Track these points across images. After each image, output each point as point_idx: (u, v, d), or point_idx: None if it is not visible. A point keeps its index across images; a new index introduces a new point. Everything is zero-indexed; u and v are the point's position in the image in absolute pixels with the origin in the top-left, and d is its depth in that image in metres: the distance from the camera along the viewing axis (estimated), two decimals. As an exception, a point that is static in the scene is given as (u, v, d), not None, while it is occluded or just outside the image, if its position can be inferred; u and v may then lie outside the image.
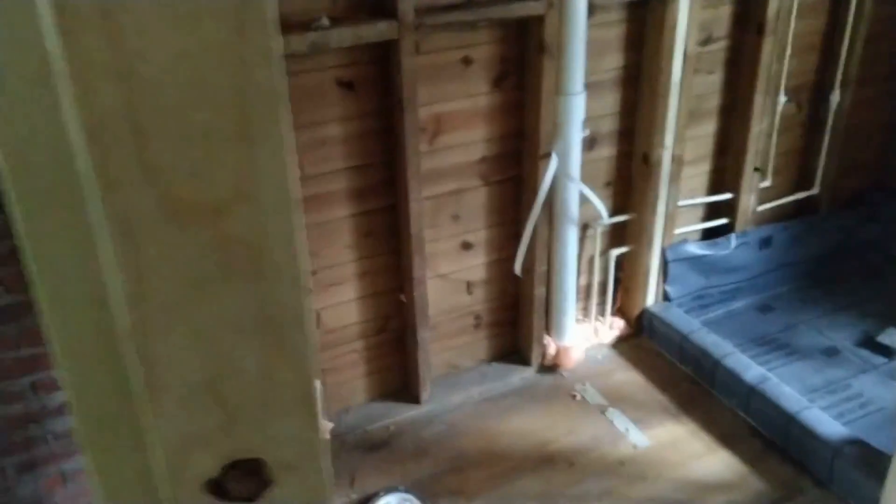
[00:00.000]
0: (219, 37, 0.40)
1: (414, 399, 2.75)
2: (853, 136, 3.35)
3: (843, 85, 3.19)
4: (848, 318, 3.15)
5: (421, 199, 2.44)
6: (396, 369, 2.76)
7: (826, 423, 2.42)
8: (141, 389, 0.50)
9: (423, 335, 2.64)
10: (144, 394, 0.50)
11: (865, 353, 2.96)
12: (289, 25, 2.07)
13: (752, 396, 2.59)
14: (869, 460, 2.25)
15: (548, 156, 2.54)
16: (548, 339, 2.89)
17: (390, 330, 2.69)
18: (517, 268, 2.68)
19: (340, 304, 2.56)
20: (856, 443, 2.34)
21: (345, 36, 2.13)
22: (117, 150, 0.44)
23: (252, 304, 0.47)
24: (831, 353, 2.98)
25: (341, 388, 2.68)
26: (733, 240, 3.18)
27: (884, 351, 2.95)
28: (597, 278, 3.04)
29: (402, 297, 2.60)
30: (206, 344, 0.49)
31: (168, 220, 0.46)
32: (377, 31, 2.16)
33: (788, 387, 2.60)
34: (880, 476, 2.09)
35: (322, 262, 2.46)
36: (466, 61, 2.43)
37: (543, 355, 2.90)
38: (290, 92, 2.19)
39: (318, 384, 0.53)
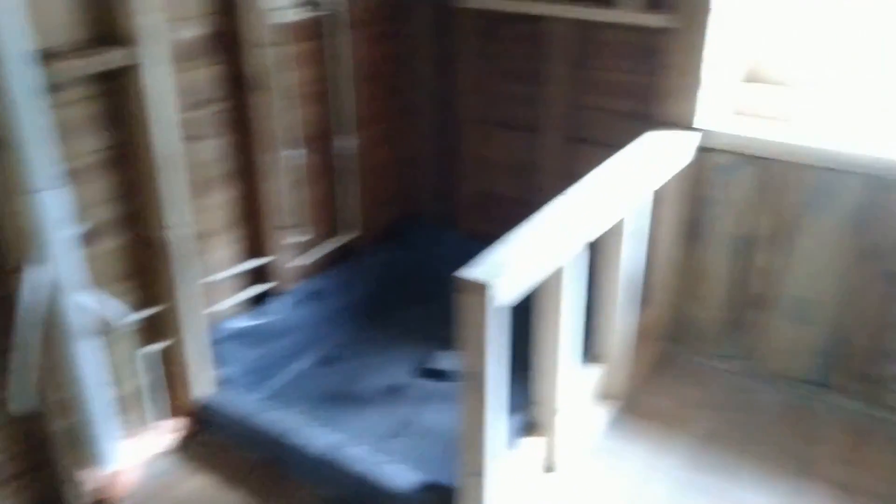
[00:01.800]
0: None
1: None
2: (372, 174, 3.48)
3: (351, 128, 3.27)
4: (402, 351, 3.23)
5: None
6: None
7: (396, 475, 2.37)
8: None
9: None
10: None
11: (422, 382, 3.05)
12: None
13: (323, 468, 2.46)
14: (445, 501, 2.25)
15: (22, 269, 2.09)
16: (86, 473, 2.42)
17: None
18: (13, 407, 2.18)
19: None
20: (429, 488, 2.32)
21: None
22: None
23: None
24: (393, 391, 3.01)
25: None
26: (282, 301, 3.06)
27: (437, 375, 3.07)
28: (141, 382, 2.65)
29: None
30: None
31: None
32: None
33: (359, 444, 2.52)
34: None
35: None
36: None
37: (84, 494, 2.42)
38: None
39: None
